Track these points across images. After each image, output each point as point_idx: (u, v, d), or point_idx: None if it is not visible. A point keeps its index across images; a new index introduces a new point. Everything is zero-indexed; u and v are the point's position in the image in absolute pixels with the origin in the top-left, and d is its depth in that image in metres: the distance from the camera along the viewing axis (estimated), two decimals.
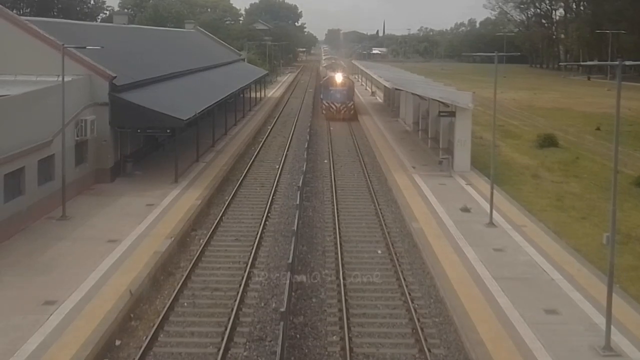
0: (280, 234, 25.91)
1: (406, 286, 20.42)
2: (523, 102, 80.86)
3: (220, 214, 28.18)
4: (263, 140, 49.02)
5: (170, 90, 40.84)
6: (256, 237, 24.97)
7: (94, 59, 32.20)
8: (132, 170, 34.46)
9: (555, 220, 27.57)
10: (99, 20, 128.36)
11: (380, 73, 69.61)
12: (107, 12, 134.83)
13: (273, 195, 31.76)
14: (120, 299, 18.40)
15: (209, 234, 25.40)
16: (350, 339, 16.91)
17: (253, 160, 40.86)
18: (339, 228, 26.35)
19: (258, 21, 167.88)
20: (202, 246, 23.90)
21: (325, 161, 41.31)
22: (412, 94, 49.10)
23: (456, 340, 16.94)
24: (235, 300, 19.01)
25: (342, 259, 22.74)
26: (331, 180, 35.35)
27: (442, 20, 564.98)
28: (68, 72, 27.94)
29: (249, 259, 22.63)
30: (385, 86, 63.99)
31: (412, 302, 19.19)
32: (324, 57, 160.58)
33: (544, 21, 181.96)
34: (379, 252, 24.00)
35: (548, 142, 47.13)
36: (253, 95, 72.25)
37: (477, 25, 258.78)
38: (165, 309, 18.47)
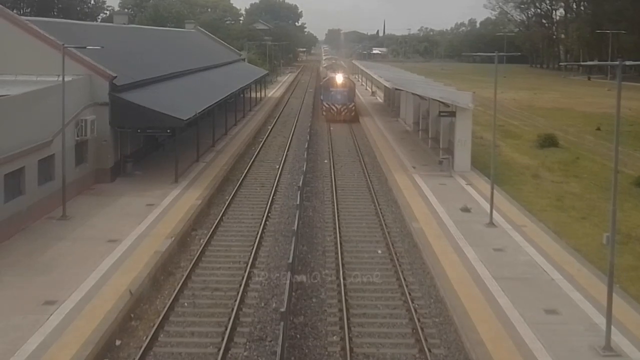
0: (280, 234, 25.91)
1: (406, 286, 20.42)
2: (523, 102, 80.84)
3: (221, 214, 28.20)
4: (263, 140, 49.01)
5: (171, 90, 40.84)
6: (256, 237, 24.98)
7: (94, 59, 32.20)
8: (132, 170, 34.46)
9: (555, 220, 27.57)
10: (99, 20, 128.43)
11: (381, 73, 69.58)
12: (107, 12, 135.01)
13: (273, 195, 31.76)
14: (120, 299, 18.40)
15: (209, 233, 25.42)
16: (350, 339, 16.91)
17: (253, 160, 40.85)
18: (339, 228, 26.34)
19: (258, 21, 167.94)
20: (202, 246, 23.92)
21: (326, 161, 41.31)
22: (413, 94, 49.08)
23: (456, 340, 16.94)
24: (236, 300, 19.01)
25: (342, 259, 22.74)
26: (331, 180, 35.35)
27: (443, 20, 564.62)
28: (68, 72, 27.92)
29: (249, 258, 22.64)
30: (385, 86, 63.92)
31: (412, 302, 19.18)
32: (324, 57, 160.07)
33: (544, 21, 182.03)
34: (379, 252, 24.00)
35: (548, 142, 47.13)
36: (253, 95, 72.16)
37: (478, 25, 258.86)
38: (166, 309, 18.47)
